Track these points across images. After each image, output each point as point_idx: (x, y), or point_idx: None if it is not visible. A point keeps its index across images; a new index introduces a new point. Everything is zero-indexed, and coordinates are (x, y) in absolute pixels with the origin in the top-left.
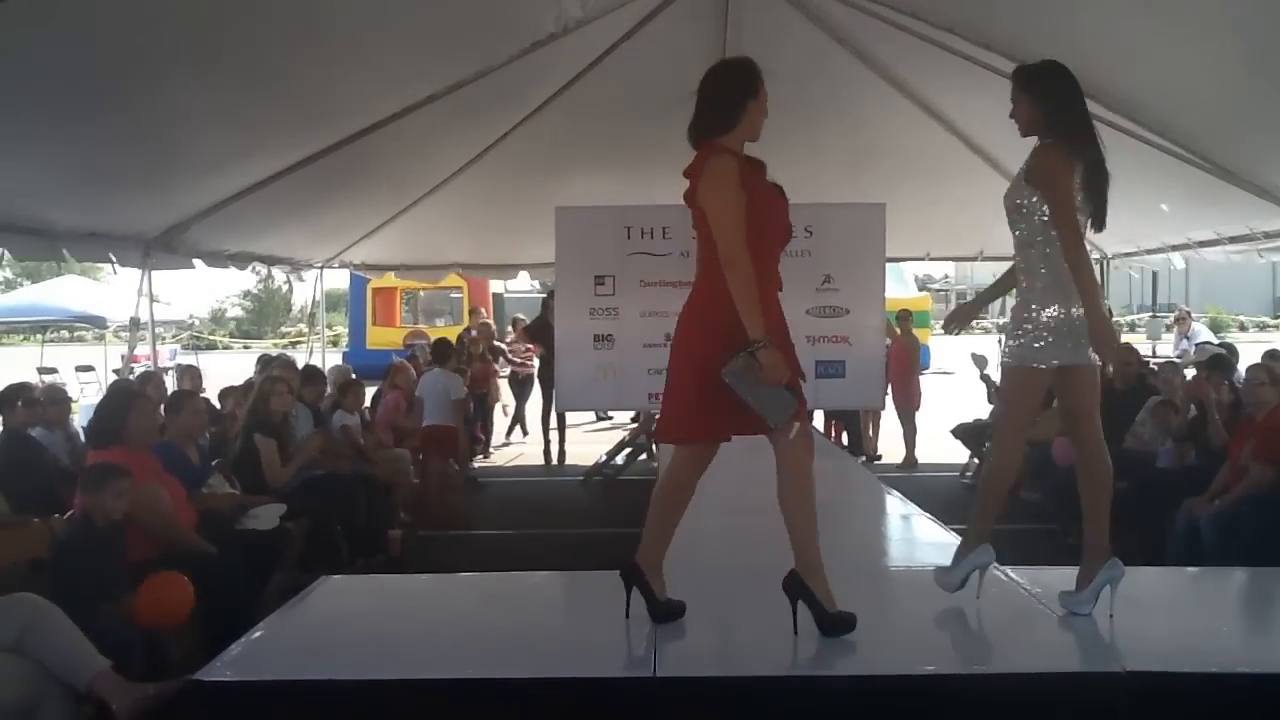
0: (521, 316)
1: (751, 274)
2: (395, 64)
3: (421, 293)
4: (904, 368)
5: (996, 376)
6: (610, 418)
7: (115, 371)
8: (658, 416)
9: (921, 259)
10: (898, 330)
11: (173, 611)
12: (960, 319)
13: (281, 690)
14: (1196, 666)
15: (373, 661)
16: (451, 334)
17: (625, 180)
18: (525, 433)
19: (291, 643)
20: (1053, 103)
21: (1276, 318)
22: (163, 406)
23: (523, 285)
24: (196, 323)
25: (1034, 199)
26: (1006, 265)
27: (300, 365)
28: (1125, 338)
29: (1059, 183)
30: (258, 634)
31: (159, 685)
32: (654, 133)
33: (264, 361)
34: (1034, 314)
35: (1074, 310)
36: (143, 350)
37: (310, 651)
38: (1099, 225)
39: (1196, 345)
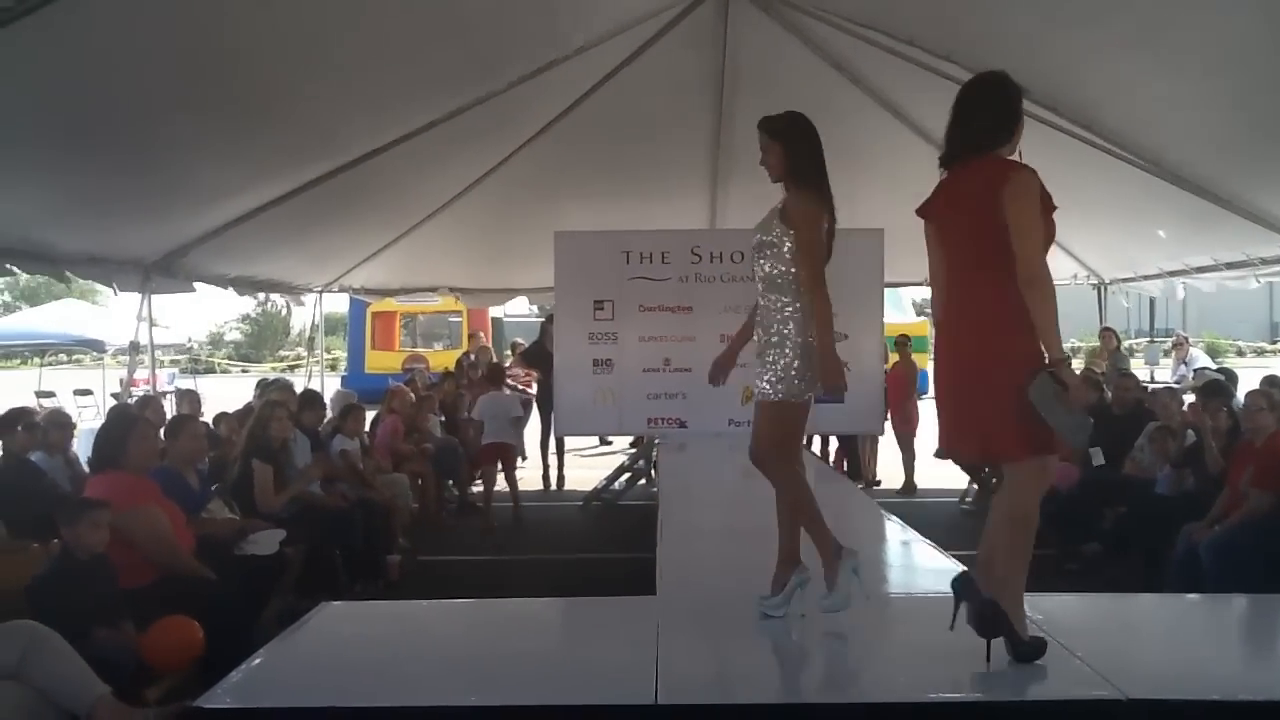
0: (520, 341)
1: (1054, 292)
2: (395, 91)
3: (420, 317)
4: (903, 393)
5: None
6: (610, 443)
7: (114, 395)
8: (999, 434)
9: (920, 284)
10: (896, 356)
11: (181, 655)
12: (721, 370)
13: (282, 717)
14: (1197, 694)
15: (373, 688)
16: (450, 358)
17: (624, 205)
18: (524, 457)
19: (292, 669)
20: (804, 150)
21: (1274, 343)
22: (162, 431)
23: (521, 309)
24: (195, 346)
25: (785, 237)
26: None
27: (299, 389)
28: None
29: (814, 224)
30: (258, 660)
31: (159, 710)
32: (653, 158)
33: (262, 385)
34: (791, 350)
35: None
36: (142, 374)
37: (311, 678)
38: None
39: (1194, 371)
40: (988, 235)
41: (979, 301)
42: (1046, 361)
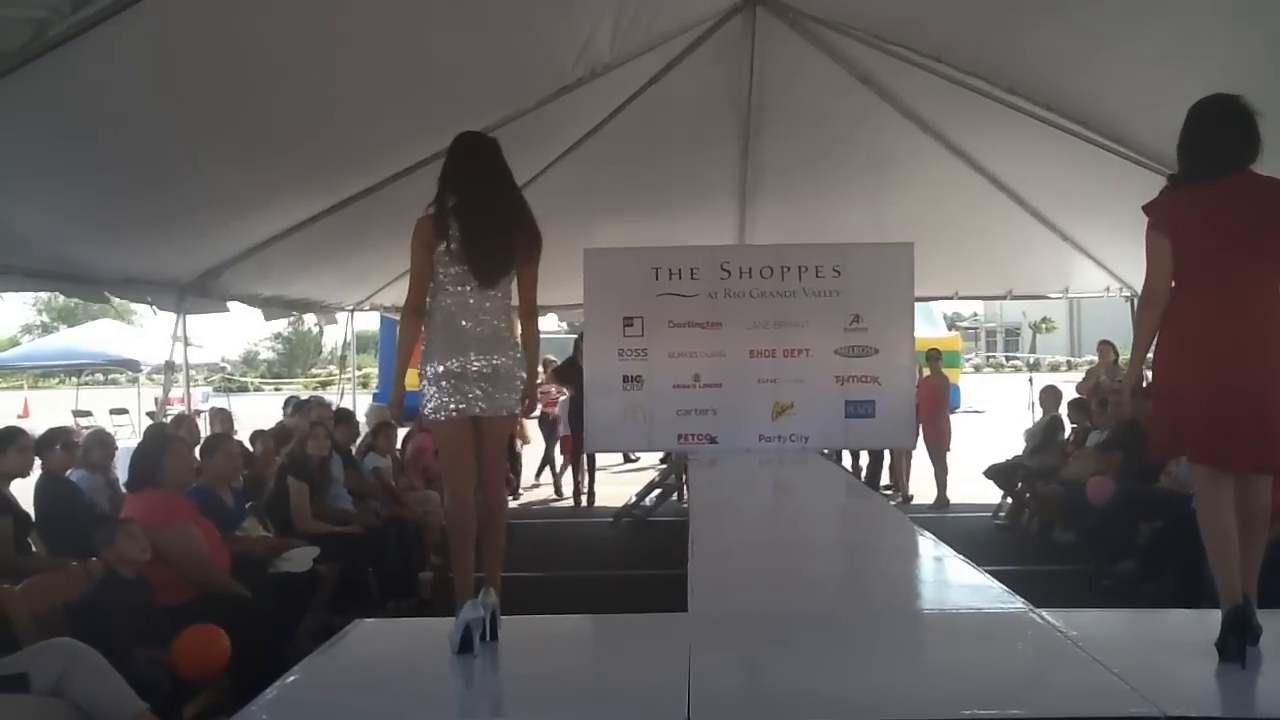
0: (552, 358)
1: None
2: (425, 110)
3: None
4: (934, 407)
5: None
6: (637, 459)
7: (149, 414)
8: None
9: (950, 298)
10: (927, 370)
11: (209, 664)
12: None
13: None
14: (1238, 712)
15: (406, 706)
16: None
17: (653, 222)
18: (555, 474)
19: (326, 687)
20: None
21: None
22: (198, 450)
23: (551, 326)
24: (228, 366)
25: None
26: (1035, 303)
27: (332, 407)
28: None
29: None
30: (292, 678)
31: None
32: (681, 174)
33: (295, 404)
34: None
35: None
36: (177, 393)
37: (344, 696)
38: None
39: None
40: None
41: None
42: None
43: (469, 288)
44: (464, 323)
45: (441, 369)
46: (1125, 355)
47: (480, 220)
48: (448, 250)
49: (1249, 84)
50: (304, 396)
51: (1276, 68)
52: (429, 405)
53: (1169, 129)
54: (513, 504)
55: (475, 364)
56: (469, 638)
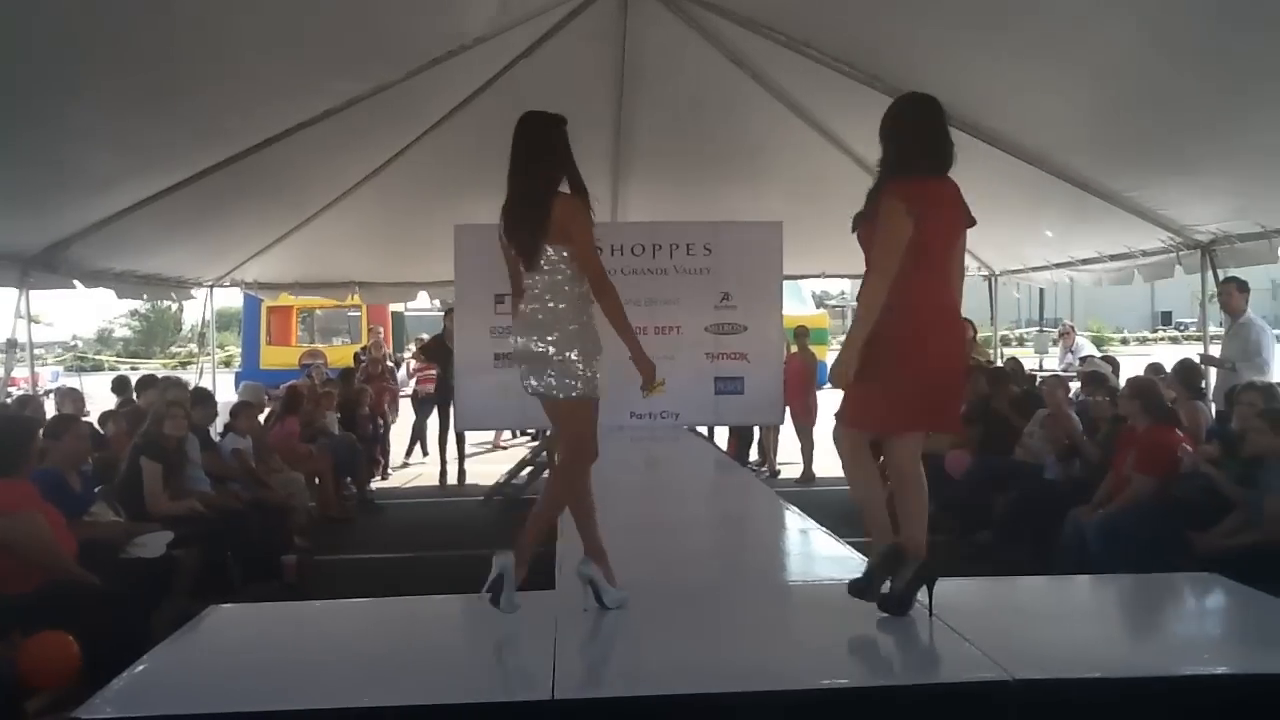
0: (423, 336)
1: None
2: (288, 80)
3: (319, 312)
4: (802, 383)
5: None
6: (506, 447)
7: None
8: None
9: (818, 276)
10: (794, 347)
11: (58, 674)
12: None
13: None
14: (1080, 672)
15: (263, 692)
16: (350, 354)
17: None
18: (425, 453)
19: (177, 676)
20: None
21: (1155, 331)
22: (42, 432)
23: (423, 304)
24: (80, 344)
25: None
26: None
27: (191, 386)
28: (1012, 352)
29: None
30: (141, 667)
31: None
32: None
33: (119, 384)
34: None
35: None
36: (21, 373)
37: (197, 684)
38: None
39: (1080, 358)
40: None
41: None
42: None
43: (524, 271)
44: (521, 306)
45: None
46: (984, 333)
47: (507, 204)
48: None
49: (1104, 81)
50: (130, 376)
51: (1127, 65)
52: None
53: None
54: (381, 484)
55: (522, 345)
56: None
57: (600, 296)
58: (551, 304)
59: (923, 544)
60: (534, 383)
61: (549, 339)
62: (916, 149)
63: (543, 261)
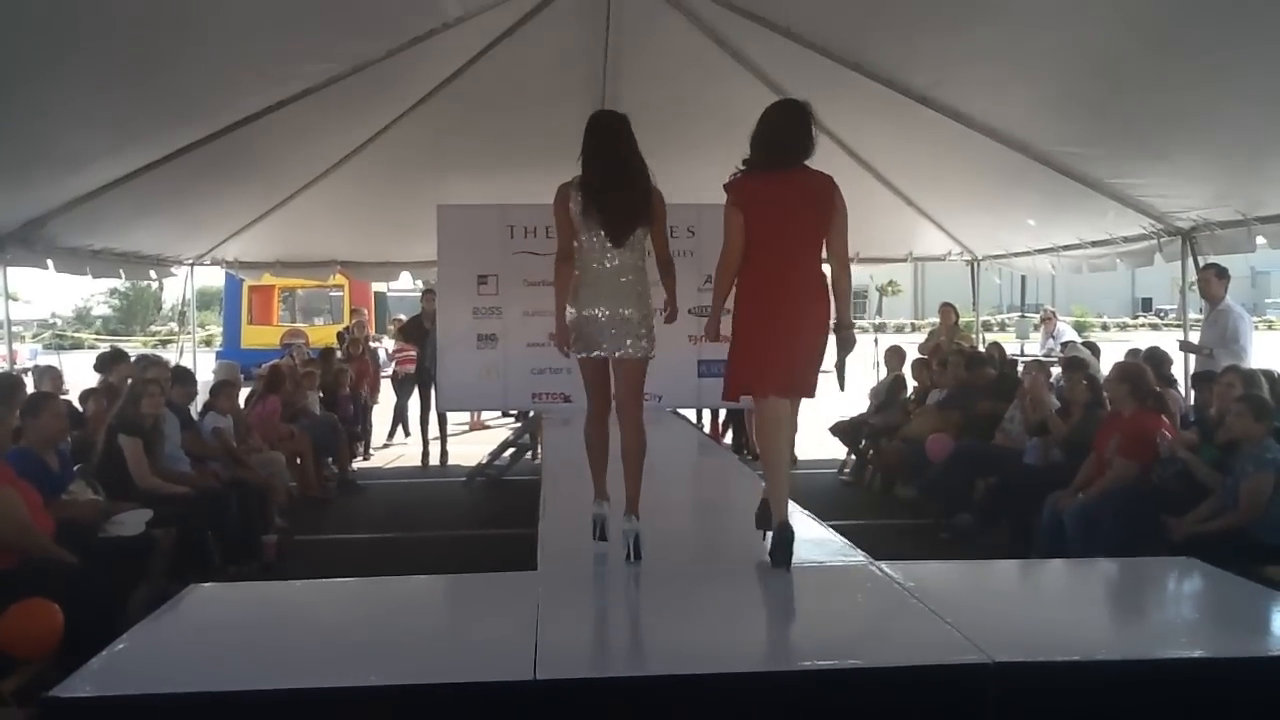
0: (402, 317)
1: None
2: (269, 58)
3: (300, 291)
4: None
5: None
6: (487, 426)
7: None
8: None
9: None
10: None
11: (40, 642)
12: None
13: (143, 705)
14: (1059, 655)
15: (241, 671)
16: (332, 333)
17: (508, 178)
18: (407, 434)
19: (156, 655)
20: None
21: (1135, 318)
22: (19, 410)
23: (406, 284)
24: (59, 321)
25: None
26: (881, 267)
27: (172, 365)
28: (994, 337)
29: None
30: (120, 646)
31: (27, 711)
32: (536, 130)
33: (101, 361)
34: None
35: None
36: None
37: (176, 663)
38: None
39: (1062, 344)
40: (823, 227)
41: (820, 276)
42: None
43: (602, 247)
44: (591, 277)
45: (578, 315)
46: (966, 318)
47: (597, 185)
48: (580, 214)
49: (1084, 73)
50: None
51: (1106, 57)
52: (574, 343)
53: (1010, 107)
54: (362, 464)
55: (604, 312)
56: (597, 528)
57: (669, 272)
58: (634, 277)
59: (782, 507)
60: (628, 344)
61: (636, 307)
62: (754, 151)
63: (631, 239)
